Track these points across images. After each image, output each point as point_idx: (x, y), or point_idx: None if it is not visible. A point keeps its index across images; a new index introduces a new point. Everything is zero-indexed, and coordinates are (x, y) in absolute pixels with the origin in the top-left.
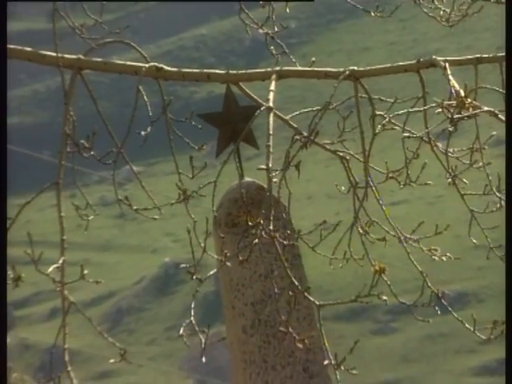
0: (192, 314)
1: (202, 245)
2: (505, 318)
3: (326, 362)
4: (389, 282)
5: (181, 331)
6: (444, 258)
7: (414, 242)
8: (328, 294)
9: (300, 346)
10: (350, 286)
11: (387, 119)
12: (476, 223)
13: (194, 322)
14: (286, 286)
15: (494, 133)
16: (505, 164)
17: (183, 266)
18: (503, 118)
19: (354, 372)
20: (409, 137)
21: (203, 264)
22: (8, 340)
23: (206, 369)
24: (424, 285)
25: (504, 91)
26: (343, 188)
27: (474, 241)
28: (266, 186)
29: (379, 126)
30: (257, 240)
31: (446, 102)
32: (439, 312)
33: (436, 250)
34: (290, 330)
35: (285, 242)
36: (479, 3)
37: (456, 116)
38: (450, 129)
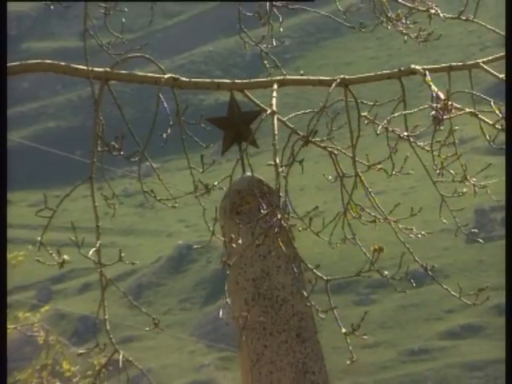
0: None
1: (211, 229)
2: (505, 318)
3: (343, 331)
4: (373, 261)
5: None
6: (419, 236)
7: (393, 223)
8: (318, 270)
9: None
10: (336, 264)
11: (375, 120)
12: (445, 208)
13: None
14: (281, 265)
15: (457, 127)
16: (505, 163)
17: (194, 247)
18: (483, 118)
19: (365, 337)
20: (393, 131)
21: (212, 246)
22: (46, 310)
23: (213, 335)
24: (402, 261)
25: (476, 93)
26: (330, 177)
27: (444, 221)
28: (264, 180)
29: (367, 123)
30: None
31: (432, 105)
32: (414, 284)
33: (412, 229)
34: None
35: (285, 224)
36: (443, 24)
37: (445, 117)
38: (441, 127)
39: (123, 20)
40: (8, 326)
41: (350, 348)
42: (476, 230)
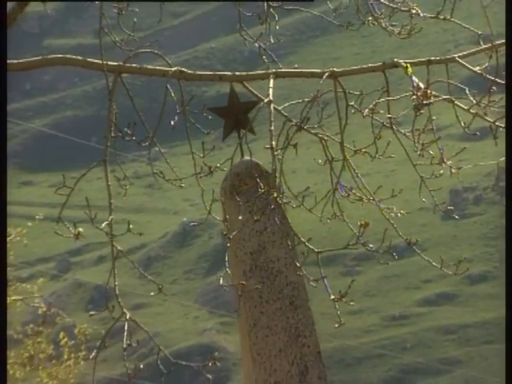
0: None
1: (208, 209)
2: (505, 319)
3: (332, 297)
4: (359, 236)
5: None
6: (399, 215)
7: (379, 202)
8: (310, 244)
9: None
10: (326, 239)
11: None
12: (423, 188)
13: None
14: (276, 240)
15: (434, 117)
16: (505, 163)
17: (191, 224)
18: (459, 104)
19: (352, 303)
20: (374, 118)
21: (214, 223)
22: (65, 280)
23: (215, 303)
24: (384, 236)
25: (453, 83)
26: (320, 161)
27: (424, 199)
28: (261, 163)
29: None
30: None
31: (413, 93)
32: (396, 257)
33: (392, 208)
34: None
35: (280, 202)
36: (421, 23)
37: (425, 102)
38: (422, 112)
39: (134, 19)
40: (14, 298)
41: (338, 313)
42: (452, 208)
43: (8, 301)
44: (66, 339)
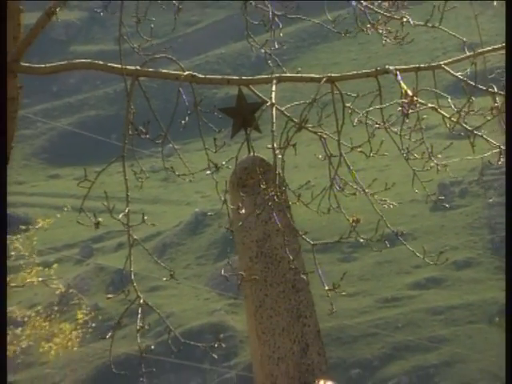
0: None
1: (223, 199)
2: (505, 318)
3: (326, 288)
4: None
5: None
6: (391, 206)
7: (370, 195)
8: (309, 234)
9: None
10: (324, 228)
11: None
12: (415, 181)
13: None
14: (279, 229)
15: (425, 116)
16: (505, 164)
17: (209, 214)
18: (442, 112)
19: (344, 293)
20: (368, 122)
21: (223, 213)
22: (88, 264)
23: (224, 286)
24: (378, 226)
25: (437, 91)
26: (320, 156)
27: (416, 190)
28: (265, 159)
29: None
30: (270, 198)
31: (401, 101)
32: (388, 245)
33: (385, 200)
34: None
35: (278, 196)
36: (413, 32)
37: (411, 111)
38: (407, 120)
39: (151, 26)
40: (31, 280)
41: (331, 302)
42: (443, 197)
43: (31, 283)
44: (81, 316)
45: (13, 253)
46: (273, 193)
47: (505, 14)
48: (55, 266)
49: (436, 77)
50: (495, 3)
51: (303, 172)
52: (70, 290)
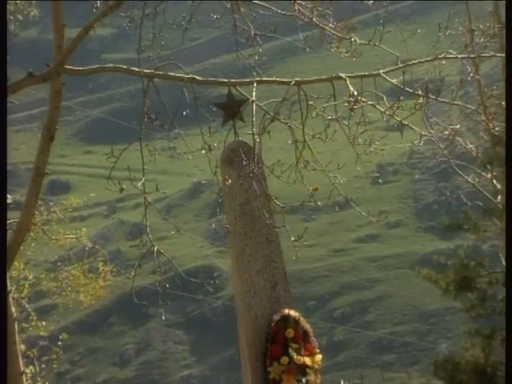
0: None
1: (214, 171)
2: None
3: (292, 239)
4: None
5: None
6: (341, 181)
7: (326, 172)
8: (279, 199)
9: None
10: (291, 195)
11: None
12: (359, 162)
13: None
14: (258, 195)
15: (369, 114)
16: (505, 163)
17: (204, 182)
18: (379, 108)
19: (305, 242)
20: (325, 115)
21: (215, 182)
22: (113, 219)
23: (214, 237)
24: (331, 195)
25: (377, 93)
26: (289, 142)
27: (358, 168)
28: (250, 142)
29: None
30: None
31: (349, 100)
32: (338, 209)
33: (337, 176)
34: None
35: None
36: (361, 48)
37: (355, 107)
38: (353, 113)
39: (162, 43)
40: (66, 236)
41: (296, 249)
42: (379, 175)
43: (64, 239)
44: (103, 267)
45: (57, 209)
46: (252, 168)
47: (505, 14)
48: (84, 230)
49: (376, 83)
50: (419, 30)
51: (276, 153)
52: (96, 246)
